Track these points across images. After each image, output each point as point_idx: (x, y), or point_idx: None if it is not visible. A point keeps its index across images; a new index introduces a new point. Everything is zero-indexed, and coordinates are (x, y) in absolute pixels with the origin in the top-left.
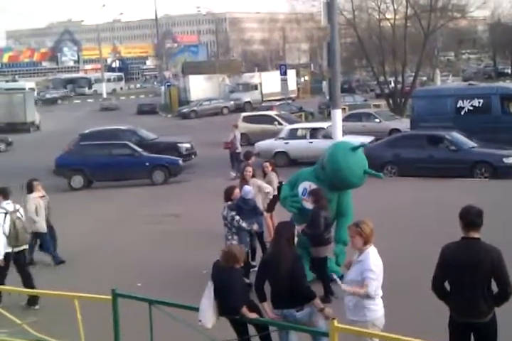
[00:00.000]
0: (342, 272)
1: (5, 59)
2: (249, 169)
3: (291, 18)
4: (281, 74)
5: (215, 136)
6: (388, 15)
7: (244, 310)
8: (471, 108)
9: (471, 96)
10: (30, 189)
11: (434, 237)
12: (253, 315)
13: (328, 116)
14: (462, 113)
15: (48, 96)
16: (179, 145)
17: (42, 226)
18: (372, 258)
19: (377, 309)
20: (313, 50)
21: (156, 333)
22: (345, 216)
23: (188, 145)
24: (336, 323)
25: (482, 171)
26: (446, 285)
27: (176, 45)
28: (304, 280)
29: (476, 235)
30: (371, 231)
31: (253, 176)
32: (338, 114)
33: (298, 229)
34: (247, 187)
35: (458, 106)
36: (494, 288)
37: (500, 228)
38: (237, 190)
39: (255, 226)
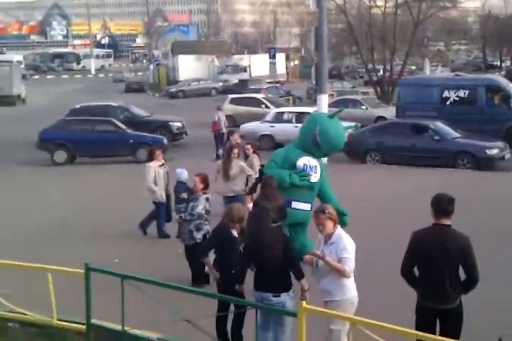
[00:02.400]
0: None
1: None
2: (236, 151)
3: (282, 1)
4: (270, 58)
5: (201, 117)
6: (379, 3)
7: (207, 260)
8: (457, 98)
9: (457, 87)
10: (150, 157)
11: (412, 224)
12: (213, 271)
13: (315, 102)
14: (447, 103)
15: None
16: (171, 123)
17: (162, 196)
18: (345, 238)
19: (354, 287)
20: (304, 35)
21: (128, 308)
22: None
23: (179, 124)
24: (304, 304)
25: (464, 162)
26: (416, 271)
27: (166, 23)
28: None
29: (446, 222)
30: (336, 213)
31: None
32: (324, 99)
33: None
34: (179, 169)
35: (443, 96)
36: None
37: (472, 218)
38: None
39: (176, 216)
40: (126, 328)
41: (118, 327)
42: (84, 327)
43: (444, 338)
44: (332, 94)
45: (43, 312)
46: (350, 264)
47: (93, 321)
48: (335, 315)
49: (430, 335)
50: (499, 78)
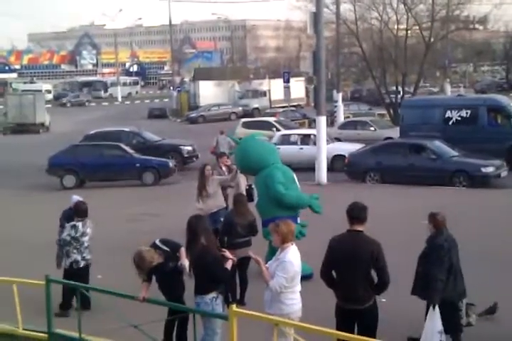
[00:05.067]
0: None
1: (25, 61)
2: (209, 167)
3: (306, 26)
4: (284, 82)
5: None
6: (391, 26)
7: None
8: (459, 118)
9: (459, 107)
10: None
11: (408, 241)
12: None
13: (331, 124)
14: (450, 123)
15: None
16: (181, 147)
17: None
18: (289, 257)
19: (293, 303)
20: (327, 58)
21: (89, 318)
22: None
23: (189, 148)
24: (234, 308)
25: (460, 180)
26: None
27: (194, 50)
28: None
29: (359, 228)
30: (288, 232)
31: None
32: (322, 121)
33: None
34: (74, 196)
35: (446, 116)
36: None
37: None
38: None
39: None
40: (83, 336)
41: (76, 335)
42: (46, 335)
43: (359, 336)
44: (348, 116)
45: (8, 322)
46: (278, 281)
47: (55, 330)
48: (263, 317)
49: (345, 334)
50: (501, 98)
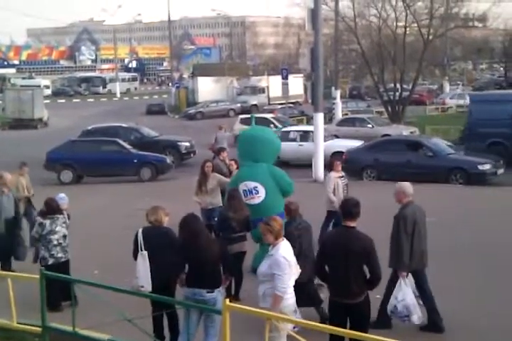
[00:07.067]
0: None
1: (23, 56)
2: (209, 164)
3: (305, 23)
4: (282, 78)
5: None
6: (391, 23)
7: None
8: None
9: None
10: (330, 167)
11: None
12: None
13: (329, 121)
14: None
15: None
16: (179, 143)
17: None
18: (282, 252)
19: (286, 297)
20: (326, 56)
21: (82, 311)
22: None
23: (187, 144)
24: (227, 302)
25: (457, 177)
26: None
27: (193, 47)
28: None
29: (352, 224)
30: (280, 227)
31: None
32: (320, 118)
33: None
34: (60, 195)
35: None
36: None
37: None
38: None
39: None
40: (76, 329)
41: (70, 328)
42: (40, 329)
43: (351, 331)
44: (346, 114)
45: (3, 316)
46: (281, 280)
47: (49, 324)
48: (256, 312)
49: (337, 328)
50: None
